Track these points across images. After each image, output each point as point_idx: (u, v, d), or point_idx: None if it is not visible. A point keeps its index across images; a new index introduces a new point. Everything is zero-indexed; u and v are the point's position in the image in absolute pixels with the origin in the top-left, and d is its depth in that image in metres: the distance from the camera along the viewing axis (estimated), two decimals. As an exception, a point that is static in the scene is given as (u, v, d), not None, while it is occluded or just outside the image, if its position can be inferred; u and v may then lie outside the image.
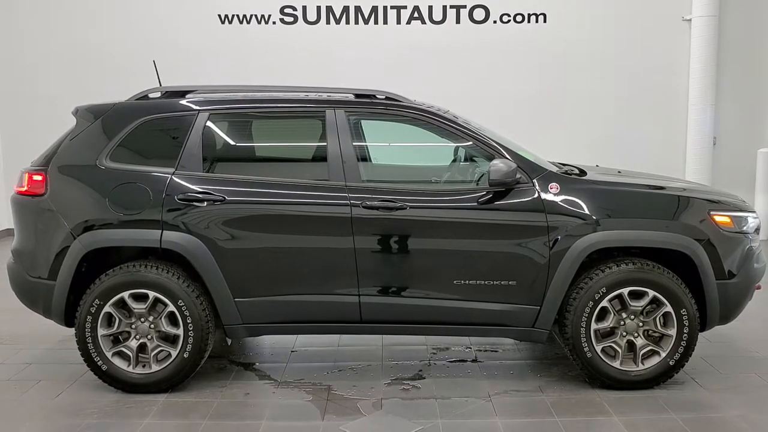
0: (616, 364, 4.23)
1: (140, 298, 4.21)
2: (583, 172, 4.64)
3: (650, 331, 4.25)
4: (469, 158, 4.65)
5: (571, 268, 4.17)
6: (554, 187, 4.23)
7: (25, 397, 4.30)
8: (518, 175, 4.17)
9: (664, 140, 9.79)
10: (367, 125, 4.65)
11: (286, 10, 9.67)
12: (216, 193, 4.22)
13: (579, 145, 9.49)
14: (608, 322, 4.22)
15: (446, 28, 9.68)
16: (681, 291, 4.18)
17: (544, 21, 9.67)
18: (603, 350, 4.23)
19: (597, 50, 9.67)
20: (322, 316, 4.32)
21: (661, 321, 4.23)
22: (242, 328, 4.33)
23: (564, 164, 4.98)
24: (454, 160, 4.82)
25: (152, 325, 4.23)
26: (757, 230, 4.46)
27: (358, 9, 9.65)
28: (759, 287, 4.47)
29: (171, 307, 4.18)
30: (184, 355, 4.21)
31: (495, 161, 4.15)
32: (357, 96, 4.55)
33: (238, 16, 9.66)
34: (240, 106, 4.58)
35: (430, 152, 5.16)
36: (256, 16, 9.66)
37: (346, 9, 9.65)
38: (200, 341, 4.21)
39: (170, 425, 3.88)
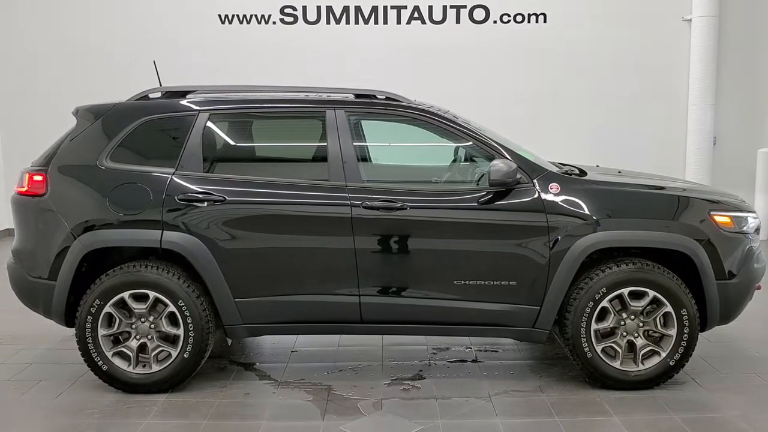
0: (617, 364, 4.23)
1: (140, 298, 4.21)
2: (583, 173, 4.64)
3: (650, 332, 4.25)
4: (469, 158, 4.65)
5: (571, 269, 4.17)
6: (554, 187, 4.23)
7: (25, 397, 4.30)
8: (518, 176, 4.17)
9: (664, 140, 9.79)
10: (367, 125, 4.65)
11: (286, 10, 9.67)
12: (216, 193, 4.22)
13: (579, 145, 9.49)
14: (608, 323, 4.22)
15: (446, 28, 9.68)
16: (681, 291, 4.19)
17: (544, 21, 9.67)
18: (603, 350, 4.23)
19: (597, 50, 9.67)
20: (322, 316, 4.32)
21: (662, 321, 4.23)
22: (242, 329, 4.33)
23: (564, 164, 4.98)
24: (455, 161, 4.82)
25: (152, 326, 4.23)
26: (757, 230, 4.46)
27: (358, 9, 9.65)
28: (759, 287, 4.47)
29: (171, 308, 4.19)
30: (185, 356, 4.21)
31: (495, 161, 4.15)
32: (357, 96, 4.55)
33: (238, 16, 9.66)
34: (240, 107, 4.58)
35: (430, 152, 5.16)
36: (256, 16, 9.66)
37: (346, 9, 9.65)
38: (200, 341, 4.21)
39: (170, 425, 3.88)
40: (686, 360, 4.26)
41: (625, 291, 4.18)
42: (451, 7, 9.66)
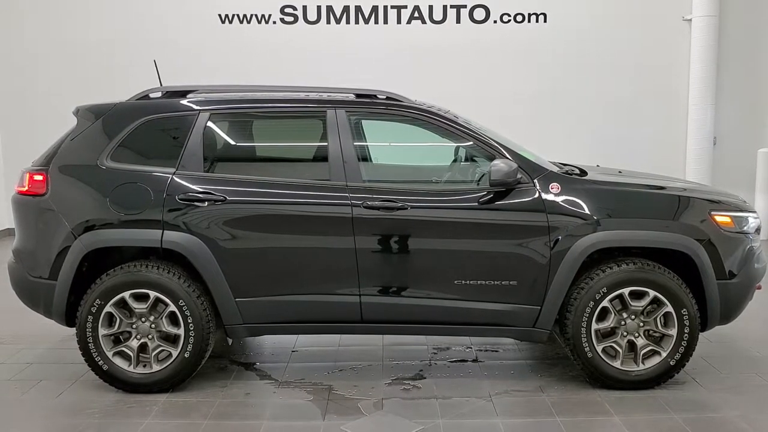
0: (617, 364, 4.23)
1: (141, 298, 4.21)
2: (583, 172, 4.64)
3: (651, 331, 4.25)
4: (469, 158, 4.65)
5: (571, 268, 4.17)
6: (555, 187, 4.24)
7: (25, 397, 4.30)
8: (519, 175, 4.17)
9: (664, 140, 9.79)
10: (367, 125, 4.65)
11: (287, 10, 9.67)
12: (217, 193, 4.22)
13: (579, 144, 9.50)
14: (609, 322, 4.22)
15: (446, 27, 9.68)
16: (682, 291, 4.19)
17: (545, 21, 9.67)
18: (604, 350, 4.23)
19: (597, 50, 9.67)
20: (322, 316, 4.32)
21: (662, 321, 4.23)
22: (243, 328, 4.33)
23: (564, 164, 4.98)
24: (455, 160, 4.82)
25: (153, 325, 4.23)
26: (757, 230, 4.46)
27: (358, 9, 9.65)
28: (759, 287, 4.47)
29: (172, 307, 4.19)
30: (185, 355, 4.21)
31: (496, 161, 4.15)
32: (358, 96, 4.56)
33: (238, 15, 9.66)
34: (241, 106, 4.58)
35: (430, 152, 5.16)
36: (256, 15, 9.66)
37: (346, 9, 9.65)
38: (201, 341, 4.21)
39: (171, 425, 3.88)
40: (687, 360, 4.26)
41: (626, 291, 4.18)
42: (452, 6, 9.66)
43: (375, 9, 9.65)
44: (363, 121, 4.60)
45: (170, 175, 4.25)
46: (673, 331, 4.20)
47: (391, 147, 5.05)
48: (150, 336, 4.23)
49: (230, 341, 5.02)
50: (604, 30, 9.66)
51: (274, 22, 9.67)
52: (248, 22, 9.67)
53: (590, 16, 9.66)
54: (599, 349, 4.21)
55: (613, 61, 9.67)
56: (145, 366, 4.25)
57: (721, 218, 4.28)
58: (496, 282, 4.23)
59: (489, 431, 3.79)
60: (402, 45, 9.61)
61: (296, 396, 4.28)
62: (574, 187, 4.28)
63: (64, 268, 4.22)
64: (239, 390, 4.36)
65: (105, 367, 4.21)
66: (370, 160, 4.71)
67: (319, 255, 4.25)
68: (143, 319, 4.23)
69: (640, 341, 4.24)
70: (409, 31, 9.67)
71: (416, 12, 9.66)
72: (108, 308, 4.18)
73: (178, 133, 4.39)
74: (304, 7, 9.66)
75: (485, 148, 4.36)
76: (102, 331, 4.19)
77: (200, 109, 4.41)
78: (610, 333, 4.25)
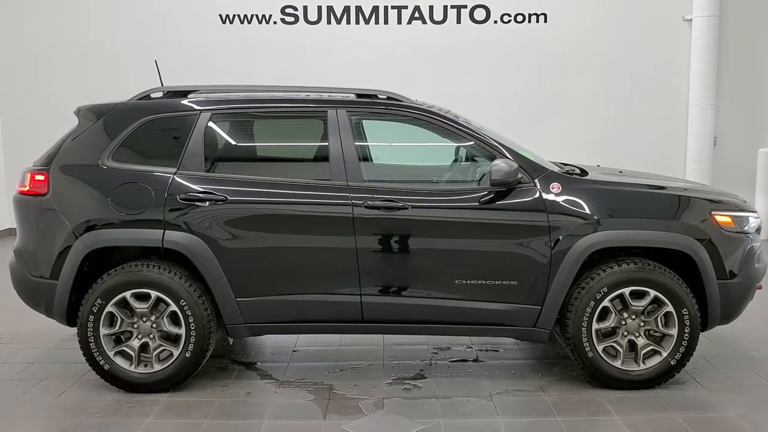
0: (618, 363, 4.24)
1: (142, 297, 4.21)
2: (584, 172, 4.64)
3: (651, 331, 4.25)
4: (470, 158, 4.66)
5: (572, 268, 4.17)
6: (556, 186, 4.24)
7: (26, 396, 4.30)
8: (520, 175, 4.18)
9: (664, 140, 9.80)
10: (368, 125, 4.65)
11: (287, 10, 9.68)
12: (218, 192, 4.23)
13: (579, 144, 9.50)
14: (609, 322, 4.23)
15: (447, 28, 9.69)
16: (682, 291, 4.19)
17: (545, 21, 9.68)
18: (604, 350, 4.23)
19: (597, 50, 9.68)
20: (323, 315, 4.33)
21: (663, 321, 4.23)
22: (244, 328, 4.33)
23: (565, 164, 4.99)
24: (456, 160, 4.82)
25: (154, 325, 4.23)
26: (758, 230, 4.47)
27: (358, 9, 9.66)
28: (760, 287, 4.48)
29: (173, 307, 4.19)
30: (186, 355, 4.21)
31: (496, 161, 4.16)
32: (358, 96, 4.56)
33: (239, 15, 9.66)
34: (242, 106, 4.58)
35: (431, 152, 5.16)
36: (257, 16, 9.67)
37: (347, 9, 9.66)
38: (202, 341, 4.22)
39: (172, 425, 3.88)
40: (687, 359, 4.27)
41: (626, 291, 4.18)
42: (452, 7, 9.67)
43: (375, 9, 9.66)
44: (364, 121, 4.60)
45: (171, 175, 4.26)
46: (674, 331, 4.20)
47: (392, 147, 5.06)
48: (151, 336, 4.23)
49: (231, 341, 5.03)
50: (605, 30, 9.67)
51: (275, 23, 9.68)
52: (249, 22, 9.68)
53: (590, 16, 9.67)
54: (600, 348, 4.22)
55: (613, 61, 9.68)
56: (146, 366, 4.25)
57: (722, 218, 4.29)
58: (496, 282, 4.23)
59: (490, 431, 3.80)
60: (402, 45, 9.62)
61: (297, 395, 4.28)
62: (574, 186, 4.28)
63: (65, 268, 4.22)
64: (240, 389, 4.37)
65: (106, 367, 4.22)
66: (371, 160, 4.72)
67: (319, 255, 4.25)
68: (144, 319, 4.23)
69: (641, 341, 4.24)
70: (410, 32, 9.68)
71: (417, 12, 9.67)
72: (109, 308, 4.19)
73: (179, 133, 4.40)
74: (305, 8, 9.67)
75: (486, 148, 4.37)
76: (103, 330, 4.19)
77: (201, 109, 4.41)
78: (611, 333, 4.25)
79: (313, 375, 4.59)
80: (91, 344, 4.20)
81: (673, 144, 9.78)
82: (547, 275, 4.20)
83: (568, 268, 4.17)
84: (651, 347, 4.24)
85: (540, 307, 4.24)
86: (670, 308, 4.18)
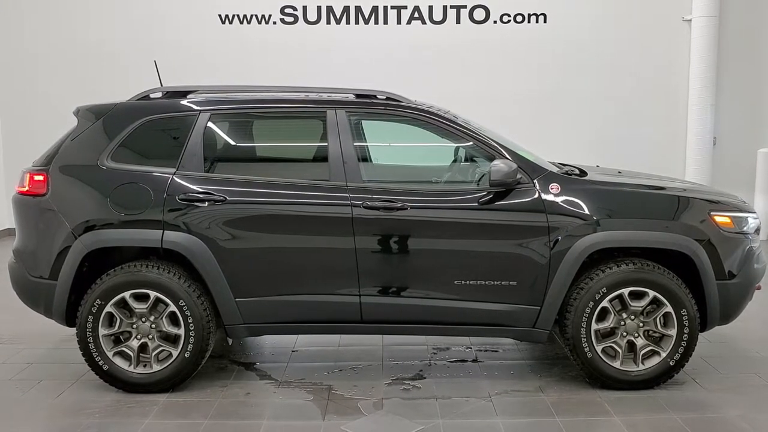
0: (617, 364, 4.24)
1: (141, 298, 4.21)
2: (583, 173, 4.64)
3: (650, 332, 4.25)
4: (469, 158, 4.66)
5: (571, 269, 4.17)
6: (555, 187, 4.24)
7: (26, 396, 4.30)
8: (519, 176, 4.18)
9: (664, 140, 9.80)
10: (367, 125, 4.65)
11: (287, 10, 9.67)
12: (217, 193, 4.23)
13: (579, 145, 9.50)
14: (608, 323, 4.23)
15: (446, 28, 9.69)
16: (681, 291, 4.19)
17: (545, 21, 9.68)
18: (603, 350, 4.23)
19: (597, 50, 9.68)
20: (322, 316, 4.33)
21: (662, 321, 4.23)
22: (243, 328, 4.33)
23: (564, 164, 4.99)
24: (455, 161, 4.82)
25: (153, 325, 4.23)
26: (757, 231, 4.47)
27: (358, 9, 9.66)
28: (759, 287, 4.48)
29: (172, 307, 4.19)
30: (185, 355, 4.21)
31: (496, 161, 4.16)
32: (358, 96, 4.56)
33: (238, 16, 9.66)
34: (241, 107, 4.58)
35: (430, 152, 5.17)
36: (256, 16, 9.66)
37: (346, 9, 9.66)
38: (201, 341, 4.22)
39: (171, 425, 3.88)
40: (686, 360, 4.27)
41: (626, 291, 4.18)
42: (451, 7, 9.66)
43: (375, 9, 9.65)
44: (363, 122, 4.61)
45: (170, 176, 4.26)
46: (673, 332, 4.20)
47: (391, 147, 5.06)
48: (150, 336, 4.24)
49: (230, 341, 5.03)
50: (604, 30, 9.67)
51: (274, 23, 9.68)
52: (248, 22, 9.67)
53: (590, 16, 9.67)
54: (599, 349, 4.22)
55: (613, 61, 9.68)
56: (145, 366, 4.25)
57: (721, 218, 4.29)
58: (495, 282, 4.23)
59: (489, 431, 3.80)
60: (402, 45, 9.61)
61: (296, 396, 4.28)
62: (573, 187, 4.28)
63: (64, 268, 4.23)
64: (239, 390, 4.37)
65: (105, 367, 4.22)
66: (370, 161, 4.72)
67: (319, 255, 4.25)
68: (143, 319, 4.23)
69: (640, 341, 4.24)
70: (409, 32, 9.67)
71: (416, 12, 9.66)
72: (108, 308, 4.19)
73: (178, 133, 4.40)
74: (304, 8, 9.66)
75: (485, 149, 4.37)
76: (102, 331, 4.19)
77: (201, 110, 4.42)
78: (610, 333, 4.26)
79: (312, 375, 4.59)
80: (90, 345, 4.20)
81: (672, 144, 9.78)
82: (546, 276, 4.20)
83: (568, 268, 4.17)
84: (650, 348, 4.25)
85: (539, 308, 4.24)
86: (669, 309, 4.18)
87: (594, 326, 4.20)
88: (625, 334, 4.24)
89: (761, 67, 9.81)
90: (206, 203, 4.21)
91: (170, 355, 4.24)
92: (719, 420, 3.92)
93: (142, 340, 4.24)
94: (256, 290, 4.26)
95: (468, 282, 4.24)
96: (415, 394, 4.30)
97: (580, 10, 9.66)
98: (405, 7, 9.65)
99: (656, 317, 4.22)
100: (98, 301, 4.18)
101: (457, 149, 4.75)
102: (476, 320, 4.29)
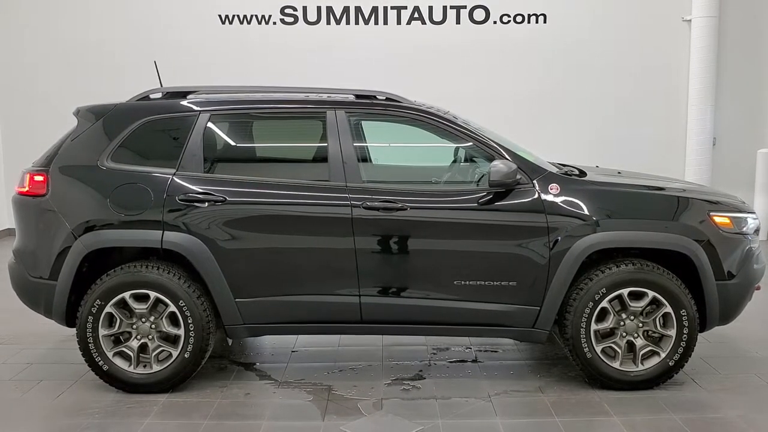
0: (616, 364, 4.24)
1: (141, 298, 4.22)
2: (582, 173, 4.64)
3: (650, 332, 4.25)
4: (469, 159, 4.66)
5: (571, 269, 4.18)
6: (554, 187, 4.24)
7: (26, 396, 4.31)
8: (518, 176, 4.18)
9: (664, 140, 9.80)
10: (367, 126, 4.66)
11: (287, 11, 9.67)
12: (217, 193, 4.23)
13: (579, 145, 9.50)
14: (608, 323, 4.23)
15: (446, 28, 9.69)
16: (681, 292, 4.19)
17: (544, 21, 9.68)
18: (603, 351, 4.24)
19: (597, 51, 9.68)
20: (322, 316, 4.33)
21: (661, 321, 4.24)
22: (243, 329, 4.34)
23: (564, 165, 4.99)
24: (455, 161, 4.83)
25: (153, 326, 4.24)
26: (756, 231, 4.47)
27: (358, 9, 9.66)
28: (759, 288, 4.48)
29: (172, 308, 4.19)
30: (185, 355, 4.22)
31: (495, 162, 4.16)
32: (357, 97, 4.56)
33: (238, 16, 9.66)
34: (241, 107, 4.58)
35: (430, 153, 5.17)
36: (256, 16, 9.67)
37: (346, 9, 9.66)
38: (201, 341, 4.22)
39: (171, 425, 3.89)
40: (686, 360, 4.27)
41: (625, 291, 4.18)
42: (451, 7, 9.66)
43: (375, 9, 9.65)
44: (363, 122, 4.61)
45: (170, 176, 4.26)
46: (672, 332, 4.21)
47: (391, 148, 5.06)
48: (150, 336, 4.24)
49: (230, 341, 5.04)
50: (604, 31, 9.67)
51: (274, 23, 9.68)
52: (248, 22, 9.68)
53: (590, 16, 9.67)
54: (598, 349, 4.22)
55: (612, 61, 9.68)
56: (145, 366, 4.25)
57: (720, 219, 4.29)
58: (495, 282, 4.23)
59: (488, 431, 3.80)
60: (402, 46, 9.61)
61: (296, 396, 4.28)
62: (573, 187, 4.29)
63: (64, 269, 4.23)
64: (239, 390, 4.37)
65: (105, 368, 4.22)
66: (370, 161, 4.72)
67: (318, 255, 4.26)
68: (143, 320, 4.24)
69: (639, 342, 4.24)
70: (409, 32, 9.67)
71: (416, 13, 9.67)
72: (108, 308, 4.19)
73: (178, 133, 4.40)
74: (304, 8, 9.66)
75: (484, 149, 4.37)
76: (102, 331, 4.20)
77: (200, 110, 4.42)
78: (610, 333, 4.26)
79: (312, 376, 4.60)
80: (90, 345, 4.20)
81: (672, 144, 9.78)
82: (545, 276, 4.20)
83: (567, 268, 4.17)
84: (649, 348, 4.25)
85: (539, 308, 4.24)
86: (668, 309, 4.19)
87: (593, 326, 4.20)
88: (624, 334, 4.24)
89: (761, 67, 9.81)
90: (206, 204, 4.22)
91: (170, 355, 4.24)
92: (719, 420, 3.92)
93: (142, 341, 4.24)
94: (256, 291, 4.27)
95: (468, 282, 4.24)
96: (415, 394, 4.30)
97: (579, 11, 9.66)
98: (405, 8, 9.66)
99: (656, 317, 4.22)
100: (98, 302, 4.18)
101: (456, 150, 4.76)
102: (476, 320, 4.29)
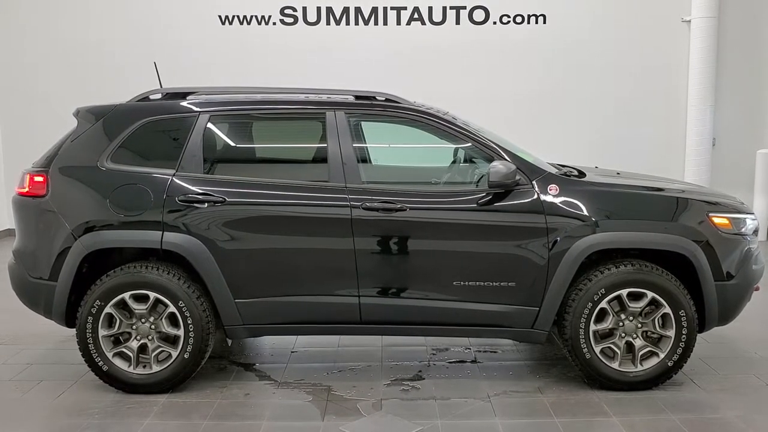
0: (615, 365, 4.25)
1: (141, 298, 4.22)
2: (582, 174, 4.65)
3: (649, 332, 4.26)
4: (468, 160, 4.66)
5: (570, 270, 4.18)
6: (553, 188, 4.25)
7: (26, 397, 4.31)
8: (518, 177, 4.18)
9: (663, 141, 9.81)
10: (367, 127, 4.66)
11: (287, 11, 9.68)
12: (216, 194, 4.23)
13: (578, 145, 9.51)
14: (607, 323, 4.24)
15: (446, 29, 9.70)
16: (679, 292, 4.20)
17: (544, 22, 9.69)
18: (602, 351, 4.24)
19: (597, 51, 9.69)
20: (322, 316, 4.34)
21: (660, 322, 4.24)
22: (242, 329, 4.34)
23: (563, 165, 5.00)
24: (454, 162, 4.83)
25: (153, 326, 4.24)
26: (755, 232, 4.48)
27: (358, 10, 9.67)
28: (757, 288, 4.49)
29: (171, 308, 4.20)
30: (185, 356, 4.22)
31: (494, 163, 4.16)
32: (357, 97, 4.57)
33: (238, 16, 9.67)
34: (240, 108, 4.58)
35: (429, 154, 5.17)
36: (256, 16, 9.67)
37: (346, 10, 9.67)
38: (201, 342, 4.22)
39: (171, 425, 3.89)
40: (685, 361, 4.28)
41: (624, 292, 4.19)
42: (451, 8, 9.67)
43: (375, 10, 9.66)
44: (362, 123, 4.61)
45: (170, 177, 4.27)
46: (671, 332, 4.21)
47: (390, 148, 5.06)
48: (150, 337, 4.24)
49: (230, 342, 5.04)
50: (604, 31, 9.68)
51: (274, 23, 9.69)
52: (248, 23, 9.69)
53: (590, 17, 9.68)
54: (597, 350, 4.23)
55: (612, 62, 9.69)
56: (144, 367, 4.26)
57: (719, 220, 4.29)
58: (494, 283, 4.24)
59: (487, 432, 3.82)
60: (401, 46, 9.62)
61: (295, 396, 4.29)
62: (572, 188, 4.29)
63: (64, 269, 4.23)
64: (239, 390, 4.38)
65: (105, 368, 4.23)
66: (369, 162, 4.72)
67: (318, 256, 4.26)
68: (143, 320, 4.24)
69: (638, 342, 4.25)
70: (409, 32, 9.68)
71: (416, 13, 9.67)
72: (108, 309, 4.20)
73: (178, 134, 4.40)
74: (304, 8, 9.67)
75: (484, 150, 4.37)
76: (102, 331, 4.20)
77: (200, 111, 4.42)
78: (609, 334, 4.26)
79: (311, 376, 4.60)
80: (89, 345, 4.21)
81: (672, 145, 9.79)
82: (545, 277, 4.21)
83: (566, 269, 4.18)
84: (648, 348, 4.25)
85: (538, 309, 4.25)
86: (667, 310, 4.19)
87: (592, 327, 4.21)
88: (623, 335, 4.25)
89: (760, 67, 9.82)
90: (206, 204, 4.22)
91: (170, 355, 4.25)
92: (718, 421, 3.93)
93: (142, 341, 4.25)
94: (255, 291, 4.27)
95: (467, 283, 4.25)
96: (414, 394, 4.31)
97: (579, 11, 9.67)
98: (405, 8, 9.66)
99: (655, 318, 4.23)
100: (98, 302, 4.19)
101: (456, 150, 4.76)
102: (475, 321, 4.30)
